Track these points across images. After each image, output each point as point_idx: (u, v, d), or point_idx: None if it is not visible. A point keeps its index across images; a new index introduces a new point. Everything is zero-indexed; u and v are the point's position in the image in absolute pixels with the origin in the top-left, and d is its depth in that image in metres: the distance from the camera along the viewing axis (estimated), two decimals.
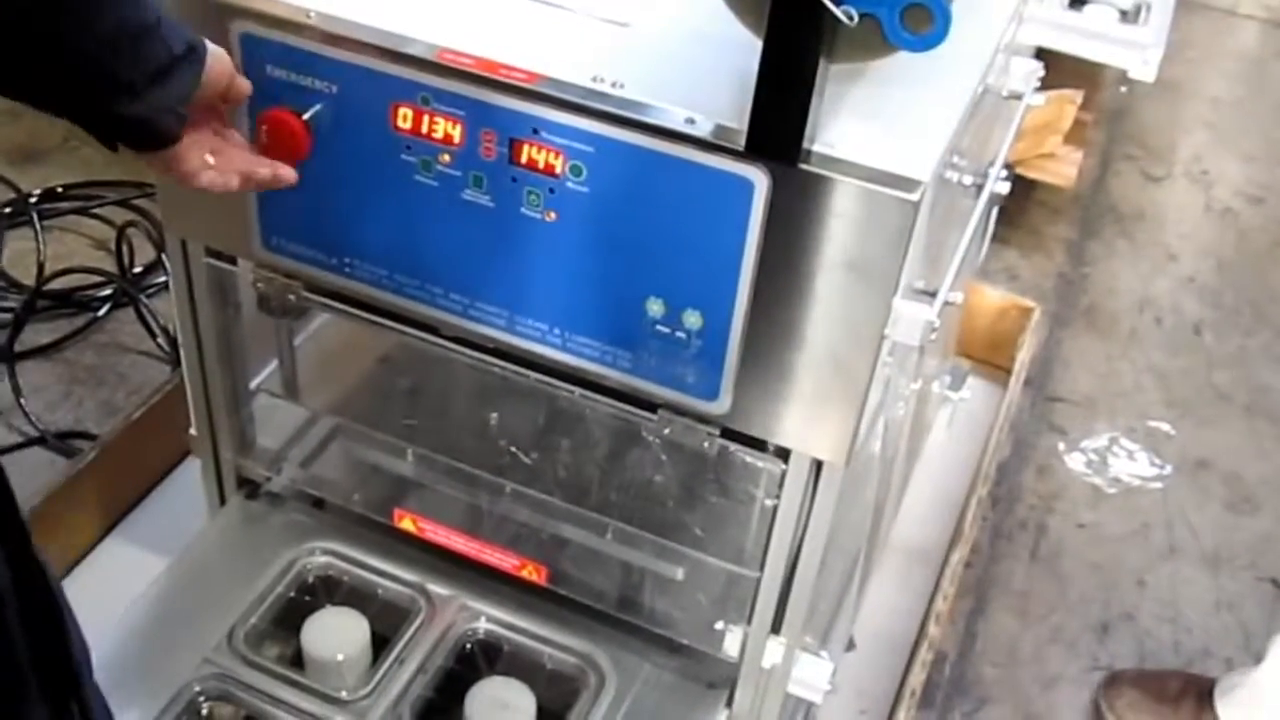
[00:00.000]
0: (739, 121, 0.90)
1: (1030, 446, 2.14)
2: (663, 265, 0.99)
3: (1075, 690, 1.74)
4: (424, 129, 0.99)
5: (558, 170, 0.97)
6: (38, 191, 2.16)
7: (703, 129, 0.92)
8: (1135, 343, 2.37)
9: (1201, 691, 1.66)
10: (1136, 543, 1.99)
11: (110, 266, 2.05)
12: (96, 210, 2.16)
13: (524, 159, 0.98)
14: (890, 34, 0.82)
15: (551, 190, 0.99)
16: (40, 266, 1.99)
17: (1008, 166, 1.32)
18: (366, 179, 1.04)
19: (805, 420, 1.02)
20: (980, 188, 1.14)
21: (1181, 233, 2.63)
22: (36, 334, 1.94)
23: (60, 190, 2.18)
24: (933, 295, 0.99)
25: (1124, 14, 2.51)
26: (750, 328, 0.99)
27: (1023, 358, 1.96)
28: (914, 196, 0.88)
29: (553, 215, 1.00)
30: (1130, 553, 1.97)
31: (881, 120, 0.94)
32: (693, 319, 1.00)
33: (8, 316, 1.93)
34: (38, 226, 2.07)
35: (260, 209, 1.10)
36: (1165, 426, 2.20)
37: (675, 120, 0.93)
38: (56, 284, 2.01)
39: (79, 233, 2.15)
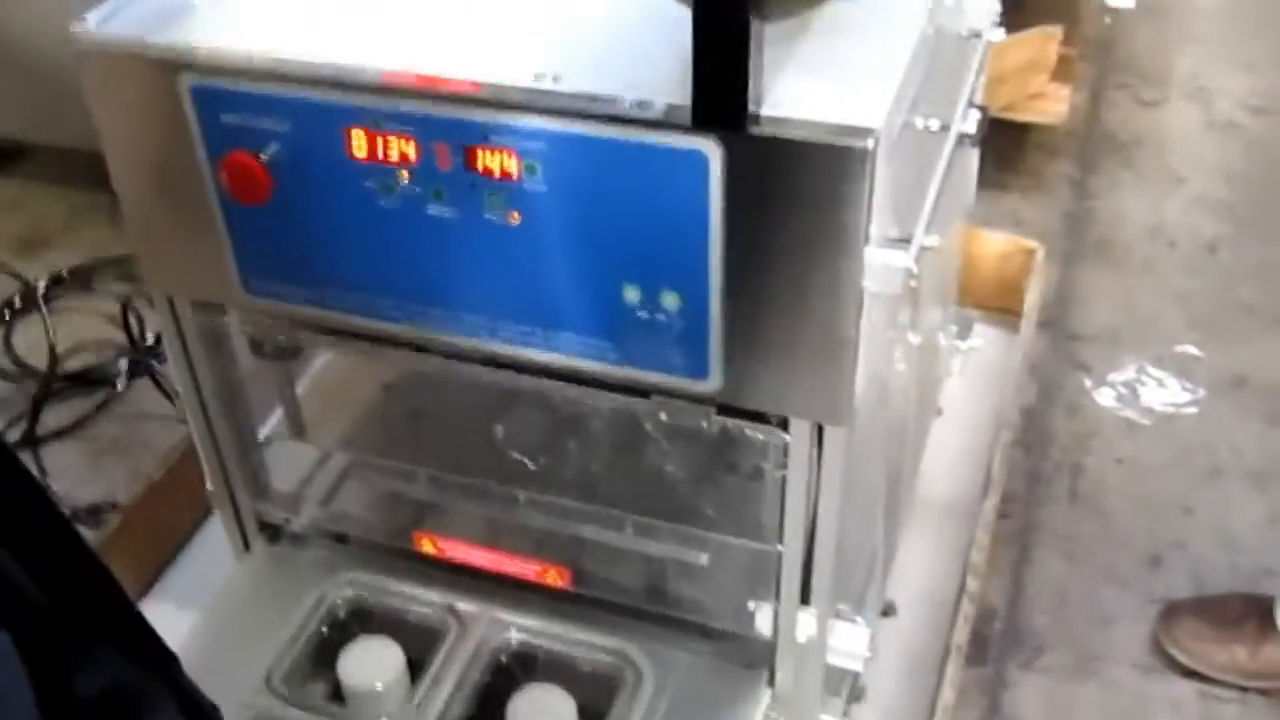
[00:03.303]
0: (684, 97, 0.90)
1: (1056, 387, 2.11)
2: (632, 251, 0.99)
3: (1133, 626, 1.72)
4: (379, 152, 1.00)
5: (514, 172, 0.97)
6: (44, 278, 2.20)
7: (648, 110, 0.92)
8: (1151, 270, 2.33)
9: (1263, 611, 1.63)
10: (1178, 470, 1.95)
11: (122, 339, 2.07)
12: (101, 288, 2.19)
13: (479, 166, 0.98)
14: None
15: (511, 192, 0.99)
16: (52, 350, 2.02)
17: (979, 107, 1.31)
18: (332, 209, 1.05)
19: (799, 386, 1.01)
20: (948, 129, 1.13)
21: (1185, 153, 2.59)
22: (58, 416, 1.97)
23: (65, 274, 2.22)
24: (907, 241, 0.99)
25: None
26: (729, 301, 0.98)
27: (1032, 300, 1.94)
28: (868, 144, 0.87)
29: (516, 217, 1.00)
30: (1173, 481, 1.94)
31: (828, 73, 0.94)
32: (671, 300, 1.00)
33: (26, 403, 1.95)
34: (45, 312, 2.10)
35: (236, 254, 1.11)
36: (1193, 349, 2.16)
37: (619, 106, 0.93)
38: (71, 364, 2.04)
39: (88, 312, 2.18)
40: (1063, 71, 2.33)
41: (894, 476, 1.32)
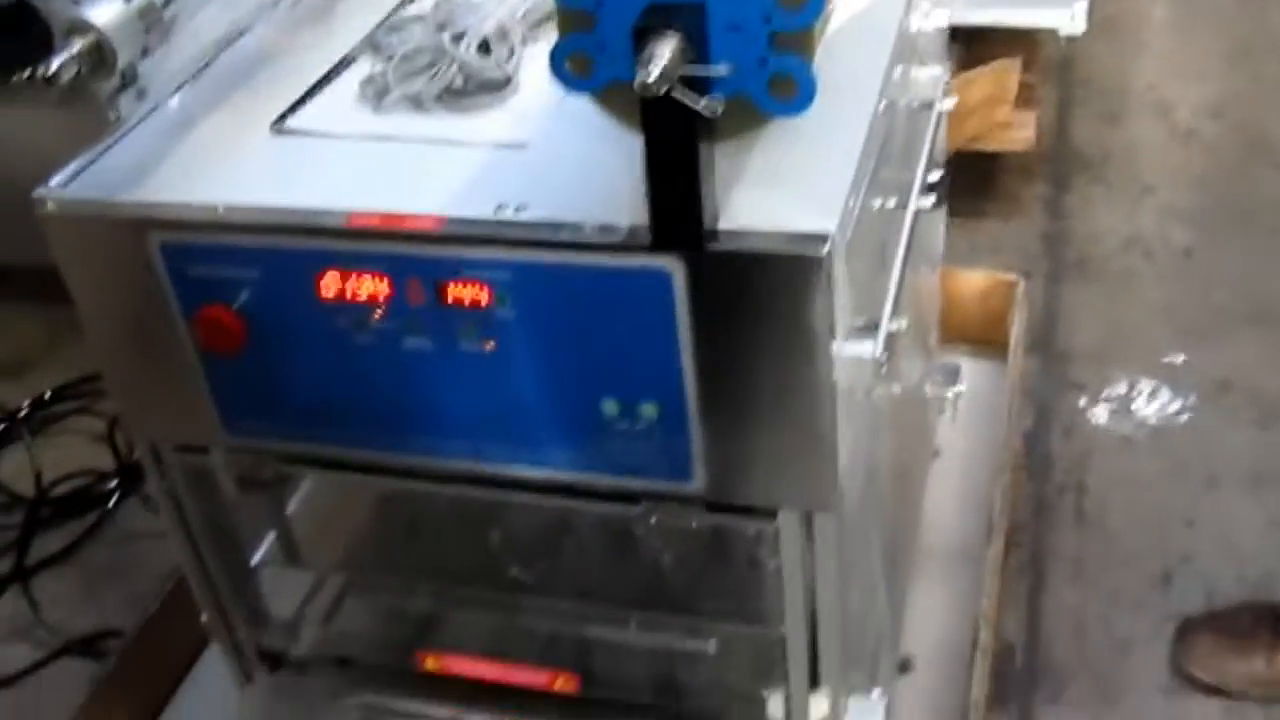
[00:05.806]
0: (643, 217, 0.91)
1: (1052, 410, 2.12)
2: (607, 368, 0.99)
3: (1151, 648, 1.71)
4: (351, 292, 1.01)
5: (484, 302, 0.98)
6: (27, 403, 2.19)
7: (610, 235, 0.92)
8: (1131, 282, 2.35)
9: (1274, 619, 1.64)
10: (1177, 483, 1.97)
11: (110, 458, 2.06)
12: (87, 406, 2.18)
13: (450, 299, 0.99)
14: (763, 106, 0.83)
15: (484, 321, 0.99)
16: (38, 477, 2.00)
17: (941, 166, 1.32)
18: (308, 350, 1.05)
19: (783, 479, 1.01)
20: (906, 206, 1.14)
21: (1151, 164, 2.61)
22: (48, 543, 1.96)
23: (48, 397, 2.21)
24: (875, 329, 1.00)
25: None
26: (705, 406, 0.99)
27: (1016, 333, 1.95)
28: (823, 251, 0.88)
29: (491, 344, 1.01)
30: (1173, 494, 1.95)
31: (781, 182, 0.95)
32: (649, 410, 1.00)
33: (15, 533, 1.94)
34: (28, 440, 2.10)
35: (216, 399, 1.11)
36: (1179, 358, 2.18)
37: (581, 232, 0.93)
38: (60, 489, 2.02)
39: (76, 432, 2.18)
40: (1025, 98, 2.35)
41: (894, 535, 1.32)
